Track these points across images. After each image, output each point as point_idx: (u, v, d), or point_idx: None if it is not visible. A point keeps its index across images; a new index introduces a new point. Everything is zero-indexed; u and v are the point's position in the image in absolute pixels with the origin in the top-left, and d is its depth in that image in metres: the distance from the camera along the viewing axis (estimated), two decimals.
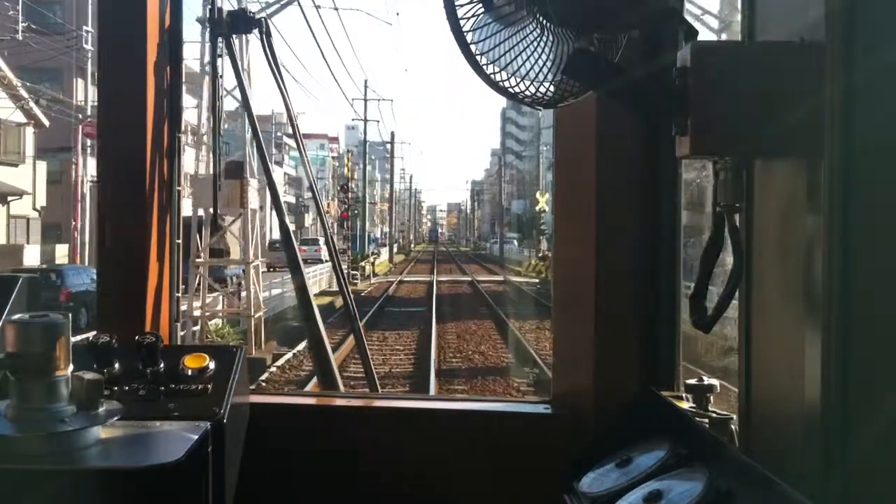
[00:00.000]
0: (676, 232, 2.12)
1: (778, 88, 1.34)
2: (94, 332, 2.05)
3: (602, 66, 1.45)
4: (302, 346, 17.19)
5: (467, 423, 2.32)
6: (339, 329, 17.07)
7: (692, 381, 1.89)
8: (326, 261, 31.39)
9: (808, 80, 1.25)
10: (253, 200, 16.14)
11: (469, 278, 40.28)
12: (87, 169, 34.32)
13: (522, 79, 1.47)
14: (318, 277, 29.59)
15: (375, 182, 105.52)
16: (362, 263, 40.53)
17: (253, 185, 16.16)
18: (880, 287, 1.17)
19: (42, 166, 34.81)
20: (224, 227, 16.04)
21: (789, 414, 1.38)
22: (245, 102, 4.26)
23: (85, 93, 35.25)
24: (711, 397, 1.84)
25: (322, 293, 26.23)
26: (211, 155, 15.50)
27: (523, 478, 2.08)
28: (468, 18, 1.42)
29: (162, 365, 1.95)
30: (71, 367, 1.63)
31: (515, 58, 1.45)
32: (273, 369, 15.53)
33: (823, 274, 1.20)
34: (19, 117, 32.54)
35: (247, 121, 13.98)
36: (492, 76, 1.46)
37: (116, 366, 1.93)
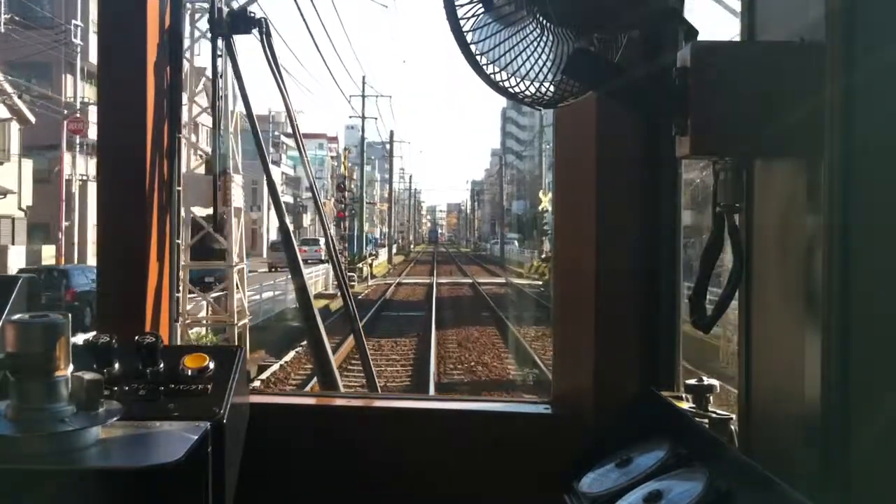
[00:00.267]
0: (676, 232, 2.12)
1: (778, 88, 1.35)
2: (93, 333, 2.05)
3: (602, 66, 1.45)
4: (290, 356, 16.45)
5: (467, 423, 2.32)
6: (335, 334, 15.73)
7: (692, 382, 1.89)
8: (327, 261, 30.96)
9: (808, 80, 1.26)
10: (237, 198, 14.48)
11: (470, 280, 39.46)
12: (76, 167, 33.83)
13: (522, 79, 1.47)
14: (314, 280, 28.92)
15: (375, 182, 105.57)
16: (359, 265, 39.46)
17: (237, 181, 14.63)
18: (880, 287, 1.18)
19: (28, 164, 33.64)
20: (206, 226, 14.65)
21: (789, 414, 1.38)
22: (245, 102, 4.26)
23: (74, 89, 34.64)
24: (711, 397, 1.84)
25: (318, 296, 25.44)
26: (193, 152, 14.71)
27: (523, 478, 2.08)
28: (468, 18, 1.42)
29: (162, 365, 1.95)
30: (71, 367, 1.63)
31: (515, 58, 1.45)
32: (255, 383, 13.57)
33: (823, 274, 1.20)
34: (3, 112, 31.51)
35: (226, 115, 13.49)
36: (492, 76, 1.46)
37: (116, 366, 1.93)
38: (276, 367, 15.69)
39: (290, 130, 4.40)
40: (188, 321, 14.11)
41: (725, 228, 1.47)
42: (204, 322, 15.50)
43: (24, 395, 1.60)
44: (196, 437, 1.69)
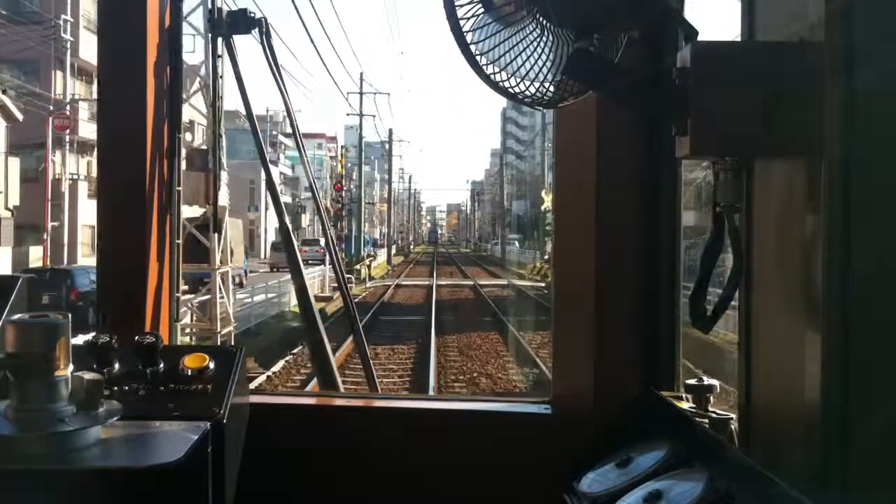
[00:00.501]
0: (676, 232, 2.12)
1: (778, 88, 1.35)
2: (93, 333, 2.05)
3: (602, 66, 1.45)
4: (279, 367, 15.62)
5: (467, 423, 2.32)
6: (332, 338, 15.06)
7: (692, 381, 1.89)
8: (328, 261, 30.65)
9: (808, 80, 1.26)
10: (222, 197, 13.20)
11: (471, 282, 38.29)
12: (67, 166, 33.27)
13: (522, 79, 1.47)
14: (311, 282, 28.34)
15: (374, 182, 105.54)
16: (357, 266, 37.98)
17: (222, 178, 13.89)
18: (880, 287, 1.18)
19: (15, 163, 31.87)
20: (188, 226, 13.97)
21: (789, 414, 1.38)
22: (245, 103, 4.26)
23: (64, 86, 33.95)
24: (711, 397, 1.84)
25: (314, 298, 25.02)
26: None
27: (523, 478, 2.08)
28: (468, 18, 1.42)
29: (162, 365, 1.95)
30: (71, 367, 1.63)
31: (515, 58, 1.45)
32: None
33: (823, 274, 1.20)
34: None
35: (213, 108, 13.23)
36: (492, 76, 1.46)
37: (116, 366, 1.93)
38: (262, 378, 14.43)
39: (288, 130, 4.40)
40: None
41: (725, 228, 1.47)
42: (188, 330, 14.84)
43: (24, 395, 1.60)
44: (196, 437, 1.69)
